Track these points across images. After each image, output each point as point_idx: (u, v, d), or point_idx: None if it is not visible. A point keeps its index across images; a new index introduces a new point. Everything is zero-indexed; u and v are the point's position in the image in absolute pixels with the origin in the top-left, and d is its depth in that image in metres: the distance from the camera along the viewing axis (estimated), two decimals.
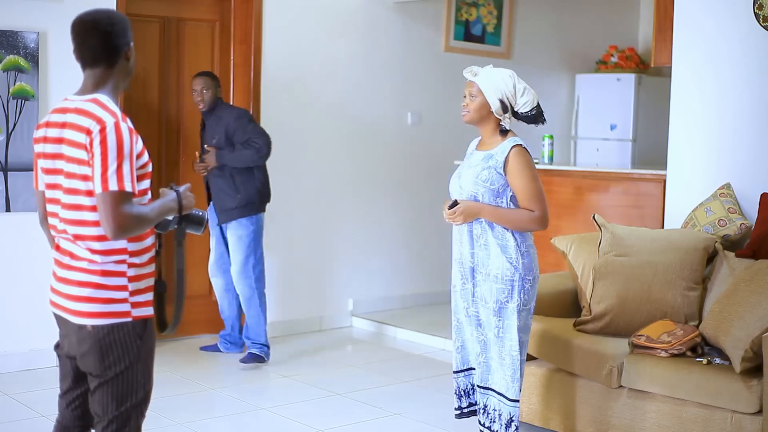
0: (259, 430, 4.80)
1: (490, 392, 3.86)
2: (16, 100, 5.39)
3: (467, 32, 7.60)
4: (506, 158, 3.75)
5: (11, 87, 5.37)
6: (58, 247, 2.79)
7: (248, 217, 5.71)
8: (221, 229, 5.88)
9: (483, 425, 3.90)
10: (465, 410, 4.05)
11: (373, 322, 6.91)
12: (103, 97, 2.72)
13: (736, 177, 4.89)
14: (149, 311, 2.80)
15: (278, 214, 6.58)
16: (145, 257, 2.79)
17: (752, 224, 4.66)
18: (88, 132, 2.62)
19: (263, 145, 5.61)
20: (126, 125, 2.66)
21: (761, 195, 4.67)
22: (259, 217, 5.76)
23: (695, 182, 5.05)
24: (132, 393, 2.78)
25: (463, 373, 4.02)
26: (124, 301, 2.72)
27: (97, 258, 2.69)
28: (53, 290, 2.81)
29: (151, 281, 2.83)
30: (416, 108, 7.36)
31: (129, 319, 2.73)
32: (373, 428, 4.69)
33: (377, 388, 5.36)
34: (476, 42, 7.66)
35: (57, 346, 2.92)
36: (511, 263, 3.73)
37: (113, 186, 2.59)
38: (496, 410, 3.85)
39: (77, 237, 2.71)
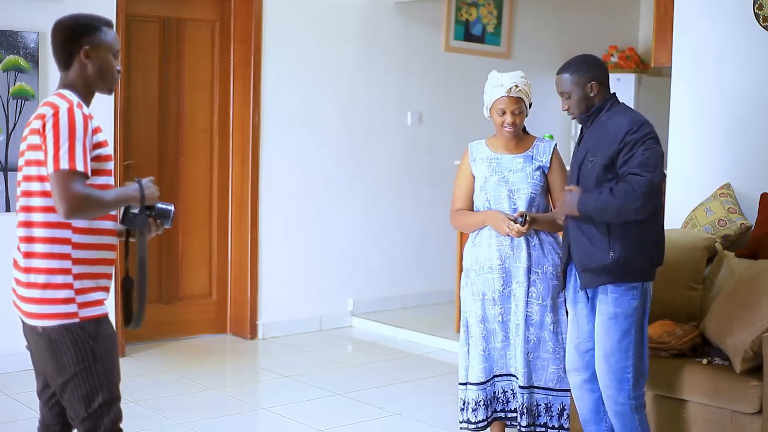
0: (259, 430, 4.81)
1: (535, 390, 3.88)
2: (16, 100, 5.39)
3: (467, 32, 7.60)
4: (551, 158, 3.94)
5: (11, 87, 5.37)
6: (18, 248, 2.80)
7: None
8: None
9: (525, 426, 3.87)
10: (489, 419, 3.93)
11: (373, 322, 6.90)
12: (66, 92, 2.79)
13: (736, 177, 4.89)
14: (100, 310, 2.76)
15: (278, 213, 6.59)
16: (94, 254, 2.76)
17: (752, 224, 4.66)
18: (43, 117, 2.69)
19: None
20: (81, 111, 2.70)
21: (761, 195, 4.67)
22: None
23: (695, 182, 5.05)
24: (96, 394, 2.75)
25: (488, 383, 3.94)
26: (70, 301, 2.70)
27: (40, 248, 2.69)
28: (12, 290, 2.83)
29: (103, 282, 2.79)
30: (416, 108, 7.36)
31: (77, 320, 2.70)
32: (373, 428, 4.69)
33: (377, 388, 5.36)
34: (476, 42, 7.66)
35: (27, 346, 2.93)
36: (558, 259, 3.87)
37: (65, 165, 2.61)
38: (541, 405, 3.88)
39: (26, 224, 2.73)
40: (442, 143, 7.46)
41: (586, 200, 3.52)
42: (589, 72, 3.63)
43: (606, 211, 3.47)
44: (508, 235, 3.81)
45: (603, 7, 8.46)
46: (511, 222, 3.77)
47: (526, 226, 3.75)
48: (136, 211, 2.82)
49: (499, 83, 3.88)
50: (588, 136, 3.68)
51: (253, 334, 6.50)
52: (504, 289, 3.89)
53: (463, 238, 6.36)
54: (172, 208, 2.90)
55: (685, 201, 5.03)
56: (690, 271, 4.38)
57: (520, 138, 3.97)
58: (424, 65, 7.37)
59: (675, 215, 5.09)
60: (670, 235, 4.53)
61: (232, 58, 6.51)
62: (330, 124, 6.86)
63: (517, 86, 3.85)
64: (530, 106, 3.94)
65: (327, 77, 6.85)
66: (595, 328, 3.64)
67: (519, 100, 3.87)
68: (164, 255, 6.34)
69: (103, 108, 5.68)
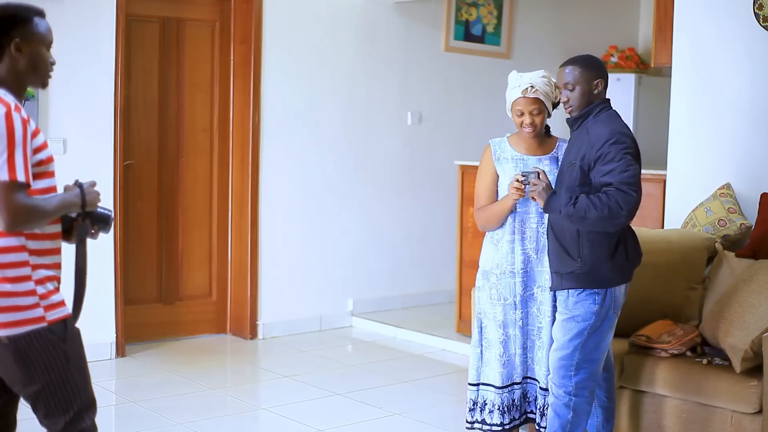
0: (259, 430, 4.81)
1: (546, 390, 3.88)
2: None
3: (467, 32, 7.59)
4: None
5: None
6: None
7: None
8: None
9: (542, 426, 3.90)
10: (507, 426, 3.92)
11: (373, 322, 6.90)
12: (0, 91, 2.64)
13: (736, 177, 4.89)
14: (65, 311, 2.68)
15: (278, 213, 6.59)
16: (48, 259, 2.67)
17: (752, 224, 4.66)
18: None
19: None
20: (19, 115, 2.56)
21: (761, 195, 4.67)
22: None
23: (695, 182, 5.05)
24: (74, 398, 2.66)
25: (507, 389, 3.93)
26: (35, 306, 2.60)
27: None
28: None
29: (58, 284, 2.71)
30: (416, 108, 7.36)
31: (44, 324, 2.61)
32: (373, 428, 4.69)
33: (377, 388, 5.36)
34: (476, 42, 7.66)
35: None
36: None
37: (4, 176, 2.50)
38: (546, 404, 3.89)
39: None
40: (442, 143, 7.46)
41: (557, 202, 3.55)
42: (597, 70, 3.68)
43: (583, 220, 3.48)
44: (521, 196, 3.75)
45: (603, 7, 8.46)
46: (518, 182, 3.73)
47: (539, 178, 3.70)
48: (73, 215, 2.71)
49: (516, 84, 3.84)
50: (573, 139, 3.72)
51: (253, 334, 6.50)
52: (524, 293, 3.87)
53: (464, 237, 6.37)
54: (111, 213, 2.79)
55: (685, 201, 5.03)
56: (690, 271, 4.38)
57: (543, 139, 3.93)
58: (424, 65, 7.37)
59: (675, 215, 5.09)
60: (669, 235, 4.55)
61: (232, 58, 6.51)
62: (330, 124, 6.86)
63: (533, 87, 3.80)
64: (556, 105, 3.88)
65: (327, 77, 6.84)
66: (554, 323, 3.74)
67: (537, 101, 3.81)
68: (164, 255, 6.34)
69: (103, 108, 5.70)
